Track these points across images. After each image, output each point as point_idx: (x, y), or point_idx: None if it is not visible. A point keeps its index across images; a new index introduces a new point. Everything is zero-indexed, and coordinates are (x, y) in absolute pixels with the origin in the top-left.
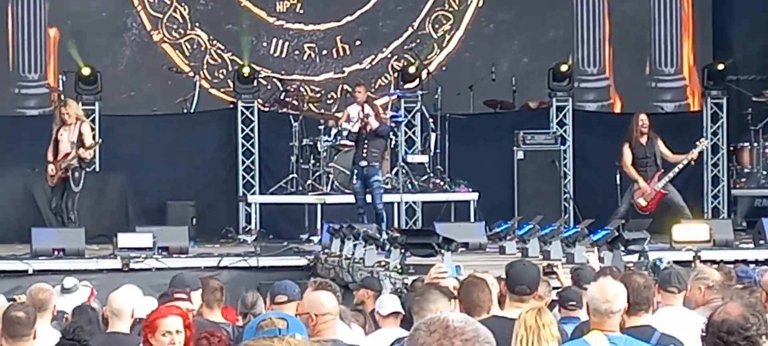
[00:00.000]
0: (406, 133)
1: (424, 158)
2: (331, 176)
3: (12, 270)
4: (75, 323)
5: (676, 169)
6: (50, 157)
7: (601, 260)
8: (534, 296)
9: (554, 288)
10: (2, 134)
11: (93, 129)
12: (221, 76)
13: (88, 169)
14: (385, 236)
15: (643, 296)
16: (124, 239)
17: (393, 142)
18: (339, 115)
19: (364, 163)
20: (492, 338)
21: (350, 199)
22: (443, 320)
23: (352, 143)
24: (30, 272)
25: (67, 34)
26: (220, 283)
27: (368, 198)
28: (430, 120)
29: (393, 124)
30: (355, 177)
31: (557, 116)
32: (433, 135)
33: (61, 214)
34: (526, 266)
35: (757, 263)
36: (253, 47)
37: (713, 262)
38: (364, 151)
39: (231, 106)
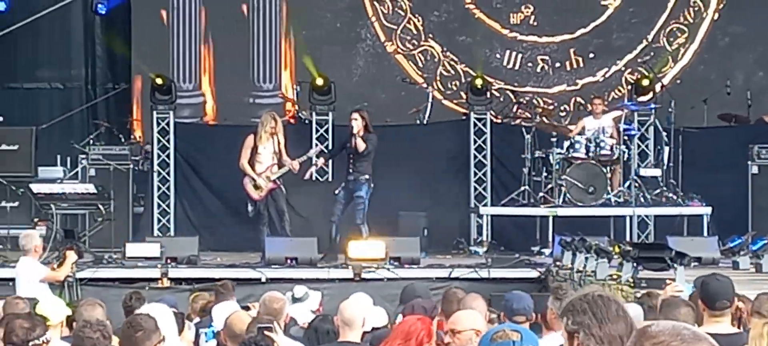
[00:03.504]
0: (639, 146)
1: (657, 172)
2: (563, 189)
3: (245, 278)
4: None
5: None
6: (251, 171)
7: None
8: (731, 309)
9: None
10: (237, 143)
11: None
12: (454, 88)
13: (321, 179)
14: None
15: None
16: (356, 249)
17: (626, 156)
18: (572, 127)
19: (351, 177)
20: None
21: (583, 212)
22: (649, 325)
23: (585, 157)
24: (263, 280)
25: (303, 45)
26: (459, 294)
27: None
28: (664, 133)
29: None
30: (341, 189)
31: None
32: (666, 149)
33: (275, 224)
34: (721, 281)
35: None
36: (486, 59)
37: None
38: (351, 166)
39: (463, 117)
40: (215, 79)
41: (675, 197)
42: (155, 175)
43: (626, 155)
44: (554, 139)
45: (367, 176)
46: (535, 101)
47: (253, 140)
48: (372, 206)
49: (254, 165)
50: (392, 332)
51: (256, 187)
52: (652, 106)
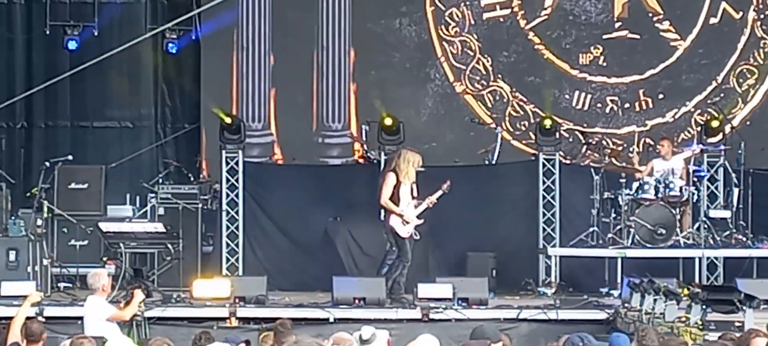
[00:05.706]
0: (708, 187)
1: (727, 214)
2: (631, 230)
3: (313, 318)
4: None
5: None
6: (395, 207)
7: None
8: None
9: None
10: (306, 183)
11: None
12: (523, 128)
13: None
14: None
15: None
16: (425, 290)
17: (695, 197)
18: (642, 168)
19: None
20: None
21: (651, 253)
22: None
23: (654, 198)
24: (331, 320)
25: (371, 85)
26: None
27: None
28: (733, 175)
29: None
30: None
31: None
32: (735, 190)
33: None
34: None
35: None
36: (555, 99)
37: None
38: None
39: (532, 158)
40: (284, 118)
41: (744, 239)
42: (224, 214)
43: (695, 197)
44: (623, 181)
45: None
46: (604, 142)
47: (395, 178)
48: (440, 246)
49: (397, 203)
50: None
51: (405, 223)
52: (722, 147)
